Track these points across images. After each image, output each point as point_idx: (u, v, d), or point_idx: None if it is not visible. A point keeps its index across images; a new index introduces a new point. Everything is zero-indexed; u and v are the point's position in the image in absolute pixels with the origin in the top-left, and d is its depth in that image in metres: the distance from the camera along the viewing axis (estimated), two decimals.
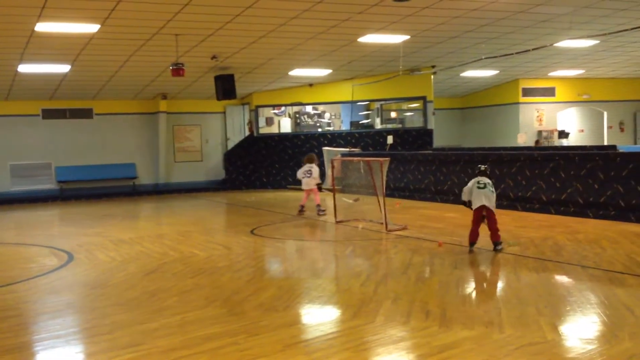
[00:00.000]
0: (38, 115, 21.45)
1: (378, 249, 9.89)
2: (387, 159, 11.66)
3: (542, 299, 6.23)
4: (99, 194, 20.69)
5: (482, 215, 8.98)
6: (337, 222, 12.45)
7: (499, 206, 13.62)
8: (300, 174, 14.14)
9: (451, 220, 12.45)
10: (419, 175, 16.58)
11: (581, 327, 5.45)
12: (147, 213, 17.06)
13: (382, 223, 11.45)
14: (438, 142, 24.31)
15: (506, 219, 12.08)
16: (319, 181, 14.05)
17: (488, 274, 7.72)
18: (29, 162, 21.37)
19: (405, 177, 17.03)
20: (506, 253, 8.67)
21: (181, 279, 7.81)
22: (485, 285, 7.25)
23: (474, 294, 6.84)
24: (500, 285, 7.05)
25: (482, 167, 9.52)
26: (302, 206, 14.12)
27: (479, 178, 9.29)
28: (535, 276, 7.32)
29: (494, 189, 9.30)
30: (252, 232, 11.81)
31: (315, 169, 13.94)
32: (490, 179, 9.41)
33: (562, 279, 7.40)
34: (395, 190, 16.73)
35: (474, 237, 8.99)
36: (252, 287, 7.21)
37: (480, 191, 9.09)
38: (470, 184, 9.28)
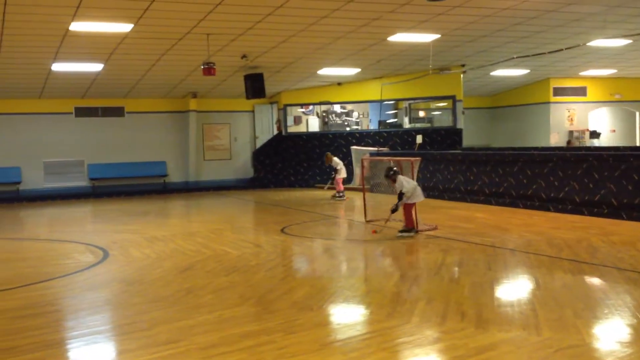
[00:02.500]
0: (71, 113, 21.82)
1: (409, 249, 9.87)
2: (418, 158, 11.64)
3: (579, 301, 6.18)
4: (130, 192, 20.95)
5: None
6: (367, 222, 12.46)
7: (530, 206, 13.60)
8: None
9: (481, 220, 12.38)
10: (449, 175, 16.50)
11: (619, 330, 5.39)
12: (178, 211, 17.23)
13: None
14: (467, 141, 24.16)
15: (539, 220, 12.01)
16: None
17: (523, 276, 7.66)
18: (62, 159, 21.73)
19: (434, 176, 16.96)
20: (541, 254, 8.60)
21: (215, 276, 7.89)
22: (520, 286, 7.19)
23: (509, 296, 6.80)
24: (535, 287, 6.99)
25: (397, 169, 10.90)
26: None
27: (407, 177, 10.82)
28: (571, 278, 7.26)
29: None
30: (282, 230, 11.87)
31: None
32: None
33: (598, 281, 7.32)
34: (424, 190, 16.53)
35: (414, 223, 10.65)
36: (286, 286, 7.26)
37: (419, 188, 10.68)
38: (410, 182, 10.60)
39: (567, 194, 12.90)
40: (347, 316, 6.13)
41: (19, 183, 20.94)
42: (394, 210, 10.63)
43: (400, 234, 10.58)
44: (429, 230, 11.03)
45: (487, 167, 15.14)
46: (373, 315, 5.98)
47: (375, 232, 10.98)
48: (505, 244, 9.59)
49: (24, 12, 11.82)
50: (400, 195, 10.46)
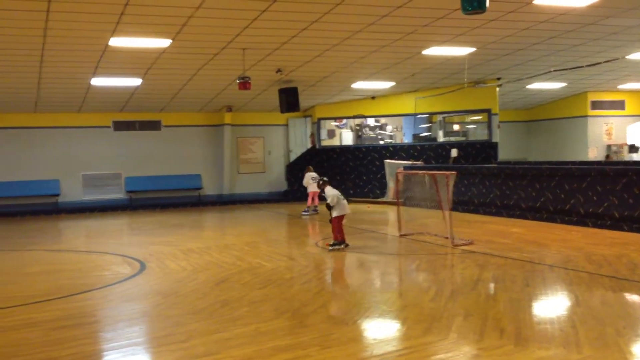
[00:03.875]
0: (109, 127, 22.21)
1: (444, 263, 9.78)
2: (453, 172, 11.55)
3: (620, 319, 6.04)
4: (165, 204, 21.23)
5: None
6: (401, 236, 12.39)
7: (568, 221, 13.36)
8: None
9: (518, 235, 12.21)
10: (484, 189, 16.33)
11: None
12: (213, 223, 17.36)
13: (447, 237, 11.33)
14: (502, 155, 23.91)
15: (577, 236, 11.81)
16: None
17: (562, 292, 7.51)
18: (99, 172, 22.11)
19: (469, 190, 16.80)
20: (580, 271, 8.44)
21: (250, 289, 7.92)
22: (559, 303, 7.05)
23: (548, 313, 6.68)
24: (575, 304, 6.85)
25: (326, 179, 11.42)
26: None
27: (335, 189, 11.04)
28: (612, 295, 7.10)
29: None
30: (316, 244, 11.88)
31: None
32: None
33: (639, 298, 7.15)
34: (459, 204, 16.47)
35: (343, 236, 10.94)
36: (321, 300, 7.25)
37: (344, 202, 10.97)
38: (335, 193, 10.87)
39: (606, 209, 12.65)
40: (383, 331, 6.09)
41: (58, 195, 21.34)
42: (332, 220, 11.04)
43: (331, 248, 10.88)
44: (464, 245, 10.92)
45: (523, 181, 14.95)
46: (409, 331, 5.92)
47: (328, 245, 11.19)
48: (543, 260, 9.43)
49: (64, 28, 12.10)
50: (328, 207, 10.92)
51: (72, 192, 21.73)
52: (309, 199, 17.78)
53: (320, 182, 11.45)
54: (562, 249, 10.40)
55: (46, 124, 21.38)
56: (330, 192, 10.91)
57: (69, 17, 11.45)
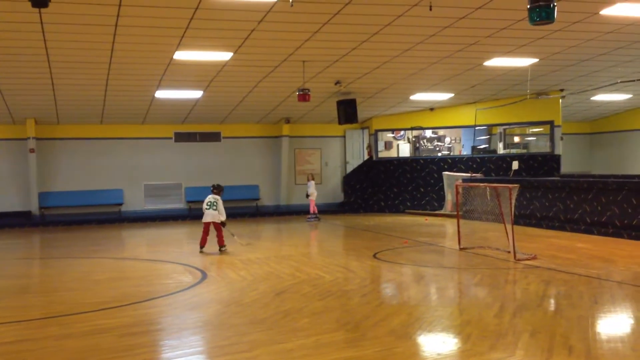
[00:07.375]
0: (171, 138, 22.73)
1: (507, 278, 9.59)
2: (516, 185, 11.34)
3: None
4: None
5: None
6: (461, 249, 12.22)
7: (636, 237, 12.91)
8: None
9: (584, 251, 11.87)
10: (547, 202, 15.96)
11: None
12: (271, 234, 17.48)
13: (509, 252, 11.12)
14: (565, 168, 23.32)
15: None
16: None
17: (632, 310, 7.26)
18: (161, 182, 22.62)
19: (531, 204, 16.45)
20: None
21: (311, 300, 7.94)
22: (630, 321, 6.81)
23: (619, 331, 6.46)
24: None
25: (213, 187, 12.99)
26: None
27: (208, 198, 12.72)
28: None
29: (218, 206, 12.63)
30: (374, 256, 11.82)
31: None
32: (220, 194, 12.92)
33: None
34: (520, 217, 16.17)
35: (203, 243, 12.68)
36: (382, 313, 7.20)
37: (207, 211, 12.53)
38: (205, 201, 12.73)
39: None
40: (447, 346, 5.99)
41: (121, 204, 21.93)
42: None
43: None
44: (527, 259, 10.69)
45: (588, 195, 14.54)
46: (475, 347, 5.81)
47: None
48: (611, 276, 9.14)
49: (131, 42, 12.47)
50: None
51: (135, 201, 22.30)
52: (311, 207, 20.04)
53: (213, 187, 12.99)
54: (631, 265, 10.07)
55: (111, 135, 22.05)
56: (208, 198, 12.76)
57: (136, 32, 11.80)
